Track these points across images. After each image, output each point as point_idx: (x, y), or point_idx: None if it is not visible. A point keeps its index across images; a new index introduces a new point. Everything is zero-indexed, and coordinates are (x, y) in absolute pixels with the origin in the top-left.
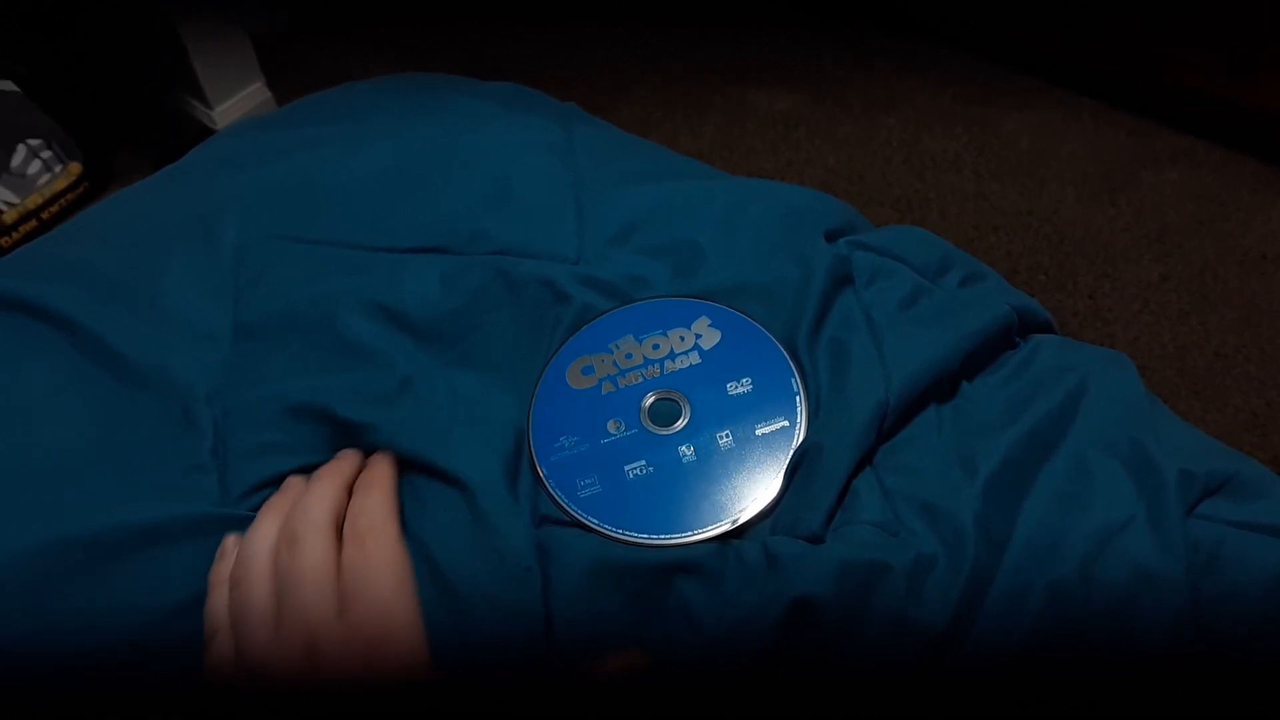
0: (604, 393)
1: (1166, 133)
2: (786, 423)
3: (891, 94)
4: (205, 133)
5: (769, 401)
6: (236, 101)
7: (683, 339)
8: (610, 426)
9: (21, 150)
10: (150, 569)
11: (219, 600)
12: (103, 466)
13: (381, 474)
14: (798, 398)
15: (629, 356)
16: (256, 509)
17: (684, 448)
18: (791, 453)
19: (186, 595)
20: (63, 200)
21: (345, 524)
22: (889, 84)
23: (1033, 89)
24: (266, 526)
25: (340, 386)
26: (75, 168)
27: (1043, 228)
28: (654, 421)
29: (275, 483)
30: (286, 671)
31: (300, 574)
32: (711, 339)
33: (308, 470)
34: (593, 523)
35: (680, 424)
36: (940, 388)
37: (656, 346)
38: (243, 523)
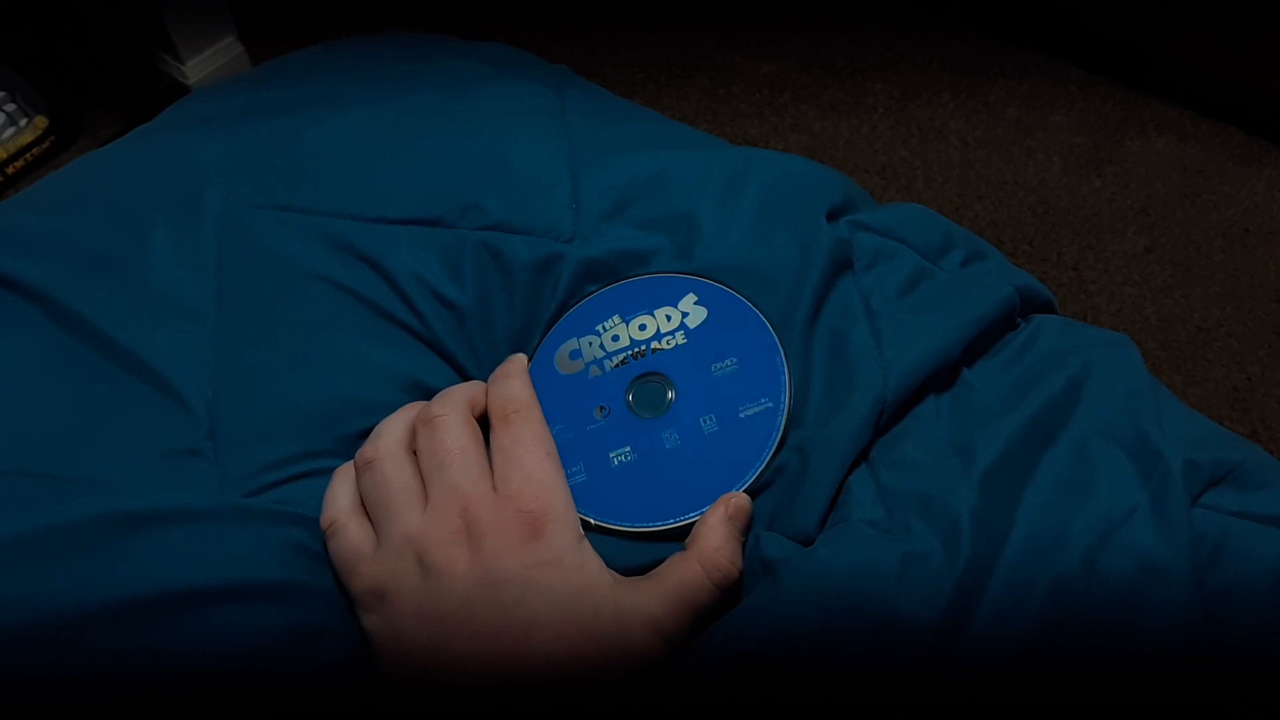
0: (591, 377)
1: (1154, 103)
2: (770, 404)
3: (879, 59)
4: (176, 87)
5: (753, 381)
6: (208, 56)
7: (669, 318)
8: (596, 413)
9: None
10: (144, 556)
11: (341, 489)
12: (91, 448)
13: (518, 366)
14: (782, 377)
15: (616, 339)
16: (255, 493)
17: (668, 433)
18: (776, 435)
19: (180, 585)
20: (28, 155)
21: (490, 411)
22: (877, 49)
23: (1021, 57)
24: (397, 420)
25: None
26: (41, 122)
27: (1028, 197)
28: (639, 406)
29: (276, 466)
30: (443, 545)
31: (446, 450)
32: (698, 317)
33: (314, 455)
34: (579, 512)
35: (665, 408)
36: (939, 377)
37: (643, 327)
38: (244, 513)
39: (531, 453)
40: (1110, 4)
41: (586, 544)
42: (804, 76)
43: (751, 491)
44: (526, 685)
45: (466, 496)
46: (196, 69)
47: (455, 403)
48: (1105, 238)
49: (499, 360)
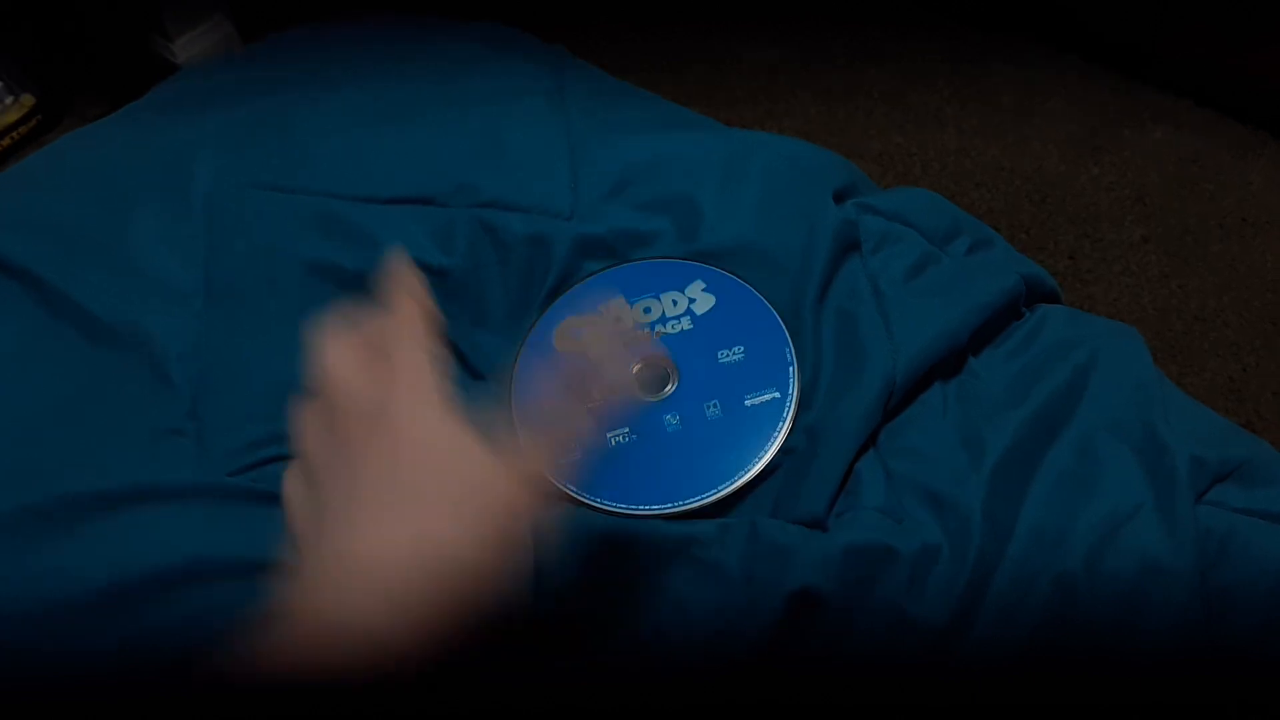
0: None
1: (1150, 92)
2: (777, 394)
3: (876, 45)
4: (164, 66)
5: (760, 372)
6: (198, 34)
7: (675, 303)
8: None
9: None
10: (123, 536)
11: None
12: (72, 428)
13: (404, 276)
14: (791, 369)
15: (618, 320)
16: (237, 473)
17: (670, 416)
18: (782, 426)
19: (162, 564)
20: (14, 134)
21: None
22: (873, 35)
23: (1017, 43)
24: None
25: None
26: (28, 100)
27: (1024, 185)
28: (641, 388)
29: (260, 445)
30: (316, 450)
31: (328, 377)
32: (705, 304)
33: None
34: (571, 489)
35: (667, 391)
36: (946, 363)
37: (648, 310)
38: (224, 492)
39: (403, 346)
40: (1109, 3)
41: (446, 414)
42: (799, 61)
43: (757, 477)
44: (400, 564)
45: (335, 391)
46: (186, 47)
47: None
48: (1102, 227)
49: (492, 335)
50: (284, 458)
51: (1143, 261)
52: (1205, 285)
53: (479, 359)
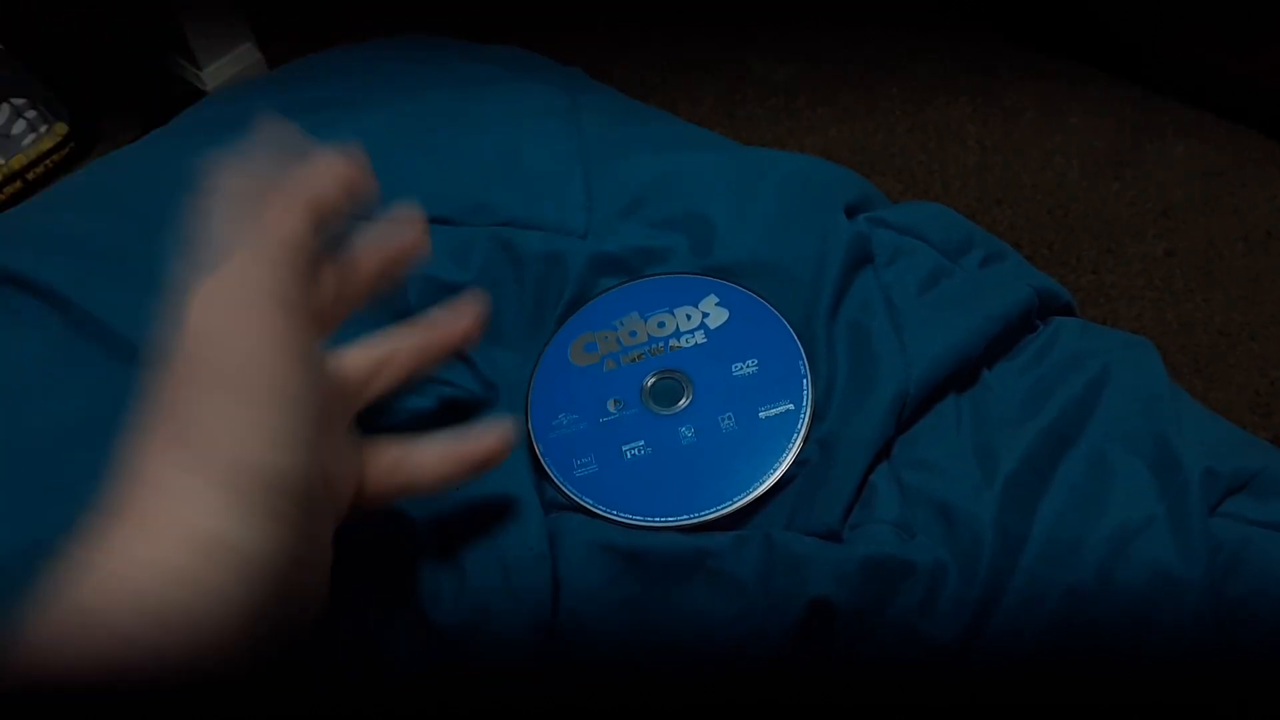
0: (606, 370)
1: (1173, 105)
2: (791, 406)
3: (894, 62)
4: (194, 94)
5: (774, 384)
6: (226, 62)
7: (689, 317)
8: (610, 405)
9: (6, 109)
10: None
11: None
12: (98, 447)
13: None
14: (804, 381)
15: (633, 334)
16: None
17: (684, 429)
18: (797, 437)
19: None
20: (48, 161)
21: None
22: (892, 52)
23: (1037, 59)
24: None
25: None
26: (61, 128)
27: (1046, 201)
28: (655, 401)
29: None
30: None
31: None
32: (719, 318)
33: None
34: (587, 503)
35: (682, 404)
36: (959, 375)
37: (662, 324)
38: None
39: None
40: (1126, 2)
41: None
42: (819, 80)
43: (772, 488)
44: None
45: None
46: (215, 74)
47: None
48: (1125, 241)
49: (515, 351)
50: None
51: (1167, 276)
52: (1230, 299)
53: (494, 375)
